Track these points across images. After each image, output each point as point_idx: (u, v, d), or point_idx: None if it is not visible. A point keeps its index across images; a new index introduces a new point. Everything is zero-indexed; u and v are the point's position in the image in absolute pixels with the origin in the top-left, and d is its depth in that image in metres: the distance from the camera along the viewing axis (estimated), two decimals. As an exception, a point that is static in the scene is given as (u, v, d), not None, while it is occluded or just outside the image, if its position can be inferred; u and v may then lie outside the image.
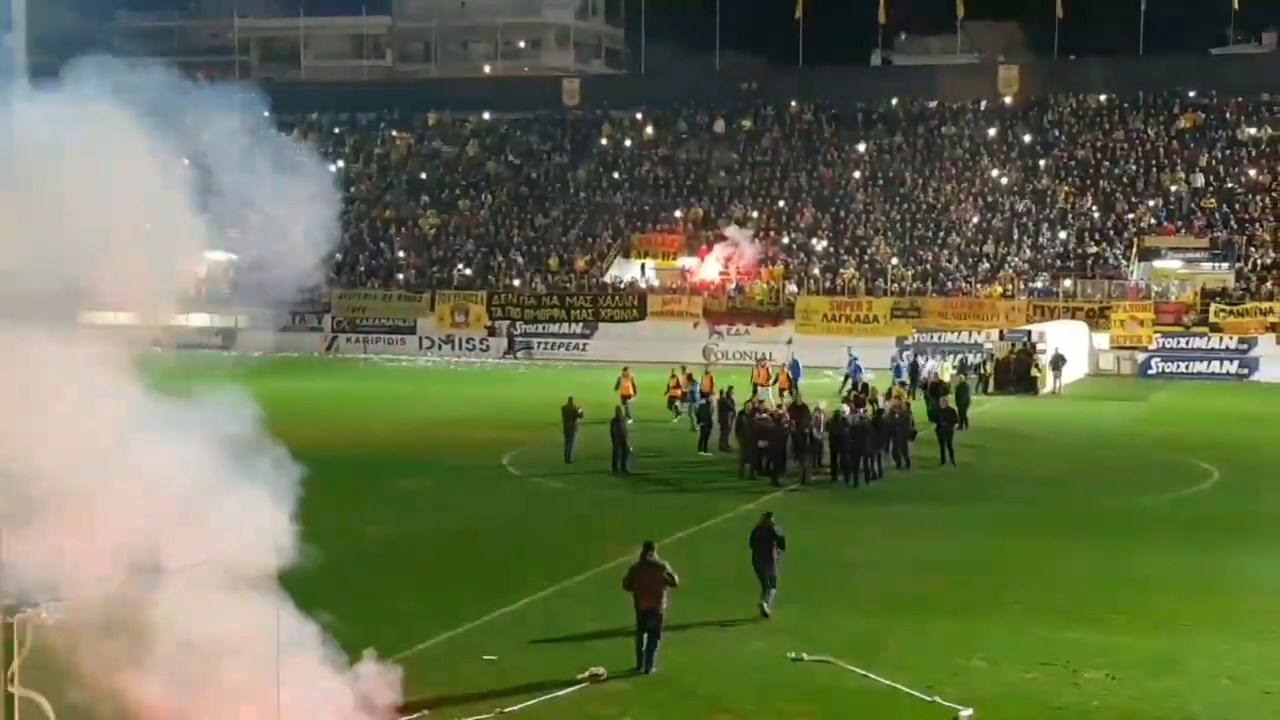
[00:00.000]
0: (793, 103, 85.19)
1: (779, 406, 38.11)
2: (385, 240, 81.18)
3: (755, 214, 75.51)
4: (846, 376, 49.53)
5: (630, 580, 18.97)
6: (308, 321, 75.84)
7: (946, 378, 51.59)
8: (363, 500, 31.44)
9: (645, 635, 18.62)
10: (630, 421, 38.17)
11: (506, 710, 17.03)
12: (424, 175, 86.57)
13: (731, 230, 73.82)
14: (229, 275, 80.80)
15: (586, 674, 18.16)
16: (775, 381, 47.83)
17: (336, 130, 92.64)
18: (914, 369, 53.51)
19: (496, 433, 40.73)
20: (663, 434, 41.15)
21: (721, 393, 40.00)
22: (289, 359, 70.43)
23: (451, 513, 30.34)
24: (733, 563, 23.72)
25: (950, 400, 39.82)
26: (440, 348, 72.74)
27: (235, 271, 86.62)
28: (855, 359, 51.66)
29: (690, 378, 44.52)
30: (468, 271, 76.69)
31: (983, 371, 55.70)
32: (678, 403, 44.49)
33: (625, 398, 41.78)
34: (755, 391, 44.06)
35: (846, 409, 35.18)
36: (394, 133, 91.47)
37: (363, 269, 78.64)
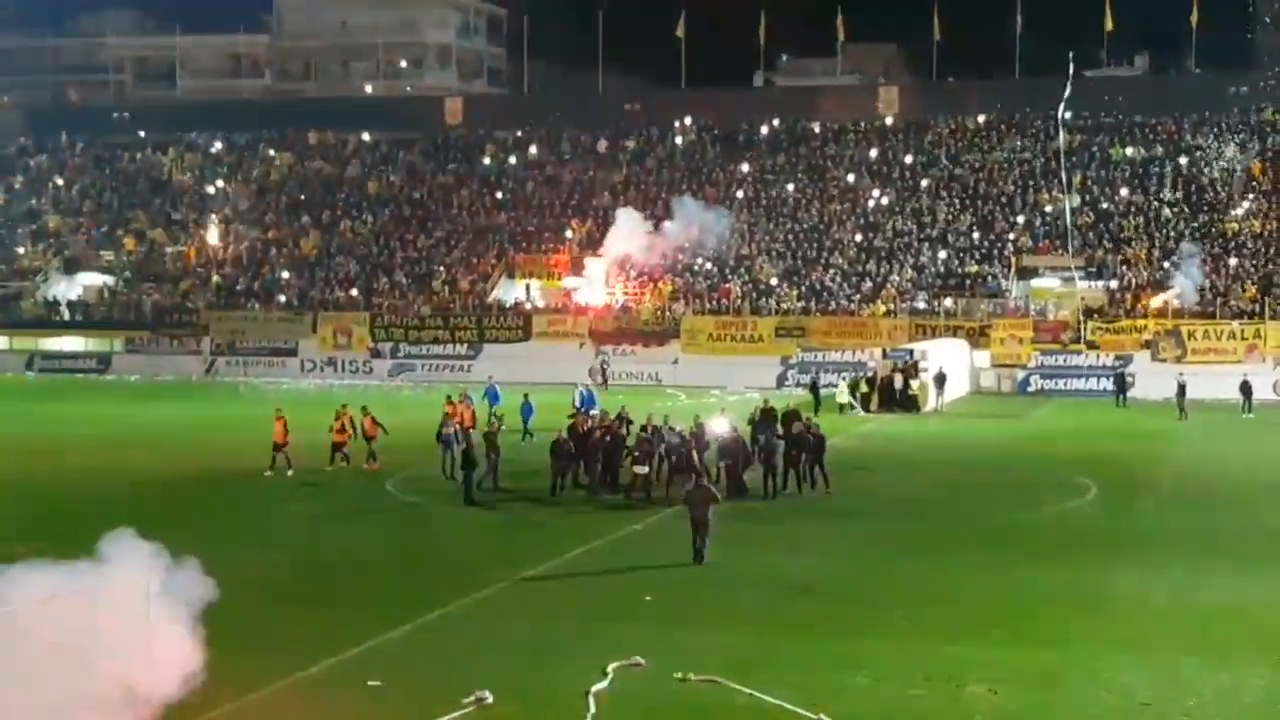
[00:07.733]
0: (676, 123, 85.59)
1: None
2: (266, 261, 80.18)
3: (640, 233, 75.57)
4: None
5: (687, 497, 26.70)
6: (185, 344, 74.70)
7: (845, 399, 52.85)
8: (246, 527, 31.02)
9: (698, 536, 25.58)
10: (291, 472, 37.77)
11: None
12: (304, 196, 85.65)
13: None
14: (105, 298, 79.98)
15: (472, 699, 17.93)
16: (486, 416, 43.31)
17: (214, 150, 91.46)
18: (814, 387, 54.05)
19: (380, 456, 40.16)
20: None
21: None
22: (166, 383, 69.34)
23: (335, 538, 29.91)
24: (616, 583, 23.73)
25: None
26: (323, 370, 71.95)
27: (110, 294, 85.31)
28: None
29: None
30: (354, 292, 75.91)
31: (861, 389, 56.14)
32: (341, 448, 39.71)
33: (279, 445, 38.48)
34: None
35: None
36: (273, 152, 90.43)
37: (242, 290, 77.58)
